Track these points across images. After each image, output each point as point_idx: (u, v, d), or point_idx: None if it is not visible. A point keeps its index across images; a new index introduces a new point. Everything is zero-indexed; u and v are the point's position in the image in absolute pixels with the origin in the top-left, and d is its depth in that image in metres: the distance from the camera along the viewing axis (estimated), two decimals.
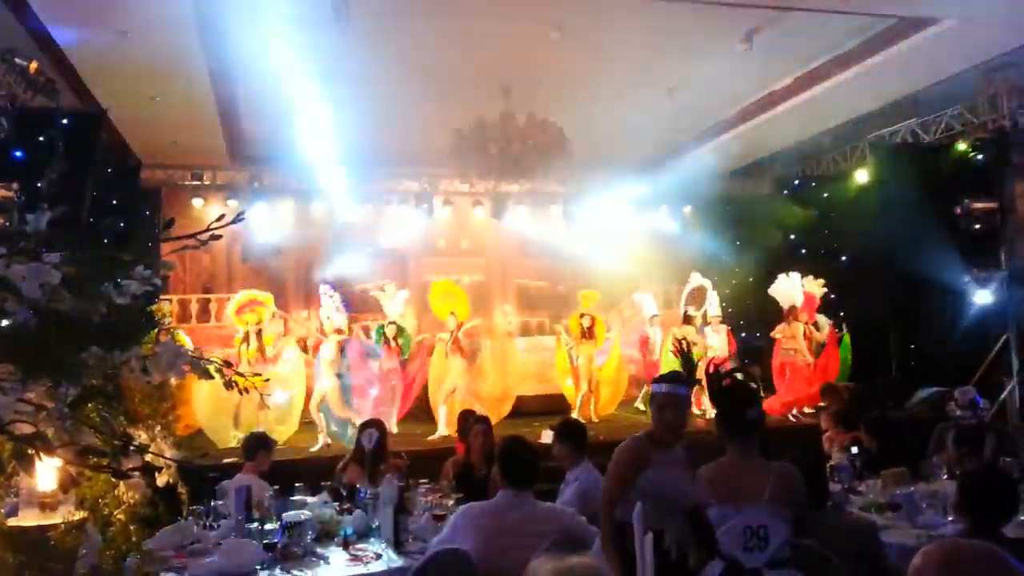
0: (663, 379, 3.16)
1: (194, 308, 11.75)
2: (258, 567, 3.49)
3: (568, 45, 7.60)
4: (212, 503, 4.22)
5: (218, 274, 11.75)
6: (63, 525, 1.71)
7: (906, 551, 3.24)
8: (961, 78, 8.62)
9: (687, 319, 10.76)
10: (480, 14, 7.25)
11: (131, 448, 1.40)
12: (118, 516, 1.70)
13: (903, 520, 4.09)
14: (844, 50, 8.24)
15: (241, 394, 2.17)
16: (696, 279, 11.33)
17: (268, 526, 3.92)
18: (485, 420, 5.13)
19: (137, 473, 1.48)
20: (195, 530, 3.90)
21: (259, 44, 7.70)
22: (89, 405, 1.56)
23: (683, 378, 3.14)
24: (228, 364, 2.06)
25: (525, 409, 10.57)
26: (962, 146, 9.76)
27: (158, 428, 1.76)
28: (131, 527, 1.72)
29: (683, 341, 3.53)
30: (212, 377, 2.08)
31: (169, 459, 1.61)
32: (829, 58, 8.45)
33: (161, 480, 1.78)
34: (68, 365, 1.47)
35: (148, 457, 1.64)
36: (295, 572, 3.46)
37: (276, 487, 4.52)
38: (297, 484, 4.60)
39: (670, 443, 3.09)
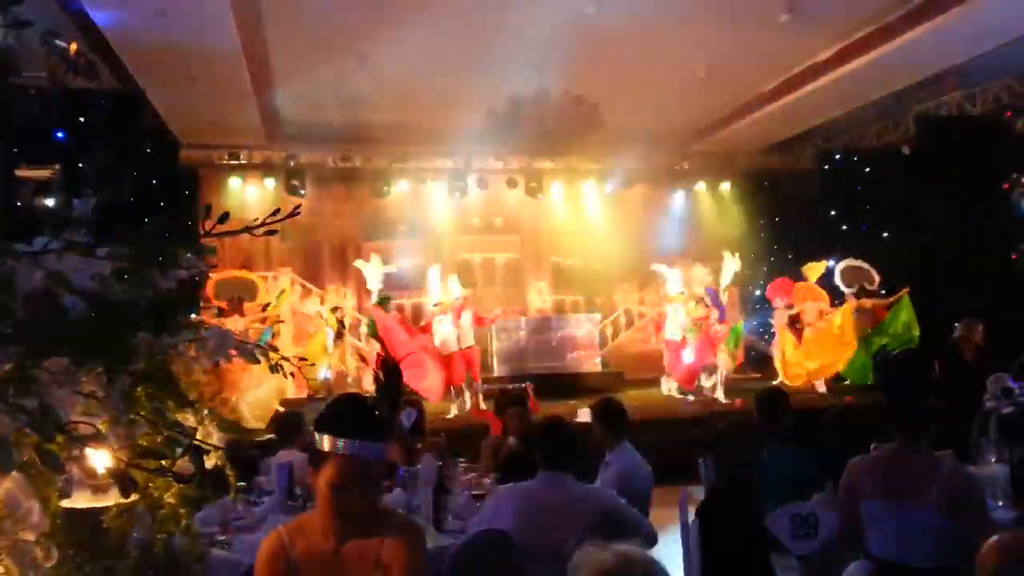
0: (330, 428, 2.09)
1: None
2: None
3: (604, 19, 7.48)
4: (255, 479, 4.28)
5: (256, 253, 11.86)
6: (114, 508, 1.73)
7: None
8: (1010, 48, 8.33)
9: (867, 293, 10.62)
10: None
11: (183, 441, 1.41)
12: (168, 499, 1.72)
13: None
14: (888, 20, 8.01)
15: (285, 376, 2.18)
16: (850, 260, 10.95)
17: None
18: (521, 402, 5.10)
19: (188, 463, 1.50)
20: (239, 507, 3.96)
21: (294, 22, 7.72)
22: (139, 391, 1.57)
23: (370, 426, 2.09)
24: (274, 348, 2.06)
25: (553, 386, 10.61)
26: (1011, 118, 9.46)
27: (205, 411, 1.77)
28: (180, 510, 1.73)
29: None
30: (258, 361, 2.09)
31: (215, 446, 1.62)
32: (872, 29, 8.23)
33: (209, 463, 1.79)
34: (118, 352, 1.48)
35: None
36: None
37: None
38: None
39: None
